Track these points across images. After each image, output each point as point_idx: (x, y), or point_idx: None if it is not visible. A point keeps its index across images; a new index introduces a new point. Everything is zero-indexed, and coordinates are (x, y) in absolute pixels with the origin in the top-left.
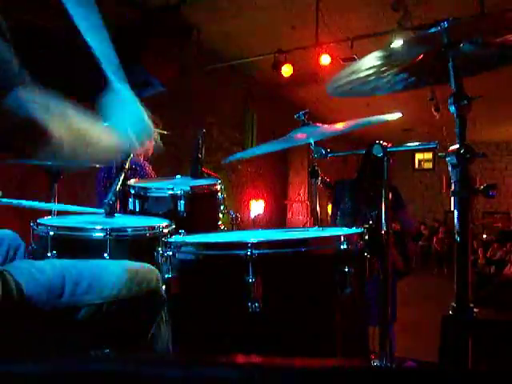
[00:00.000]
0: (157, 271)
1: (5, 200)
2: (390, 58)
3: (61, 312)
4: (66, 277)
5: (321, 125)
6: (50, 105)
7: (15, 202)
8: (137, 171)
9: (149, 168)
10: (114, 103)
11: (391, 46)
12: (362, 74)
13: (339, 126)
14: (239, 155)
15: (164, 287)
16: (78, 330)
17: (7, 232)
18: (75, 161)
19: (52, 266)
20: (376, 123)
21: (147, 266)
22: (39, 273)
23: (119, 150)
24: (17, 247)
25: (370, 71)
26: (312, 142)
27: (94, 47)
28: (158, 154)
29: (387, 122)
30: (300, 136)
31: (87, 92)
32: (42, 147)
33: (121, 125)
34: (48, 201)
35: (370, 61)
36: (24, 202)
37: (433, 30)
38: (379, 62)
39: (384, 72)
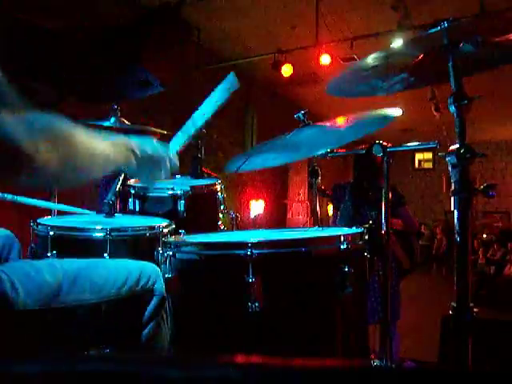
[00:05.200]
0: (157, 269)
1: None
2: (390, 59)
3: (58, 310)
4: (63, 276)
5: (321, 123)
6: (40, 126)
7: (19, 198)
8: None
9: None
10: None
11: (391, 46)
12: (362, 74)
13: (340, 120)
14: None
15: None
16: (76, 328)
17: (3, 231)
18: (68, 180)
19: (49, 266)
20: (376, 124)
21: (147, 263)
22: (35, 272)
23: (121, 162)
24: (11, 246)
25: (370, 72)
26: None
27: None
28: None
29: (388, 122)
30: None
31: (88, 91)
32: (21, 172)
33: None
34: (48, 200)
35: (370, 61)
36: (25, 199)
37: (433, 30)
38: (379, 63)
39: (384, 73)
